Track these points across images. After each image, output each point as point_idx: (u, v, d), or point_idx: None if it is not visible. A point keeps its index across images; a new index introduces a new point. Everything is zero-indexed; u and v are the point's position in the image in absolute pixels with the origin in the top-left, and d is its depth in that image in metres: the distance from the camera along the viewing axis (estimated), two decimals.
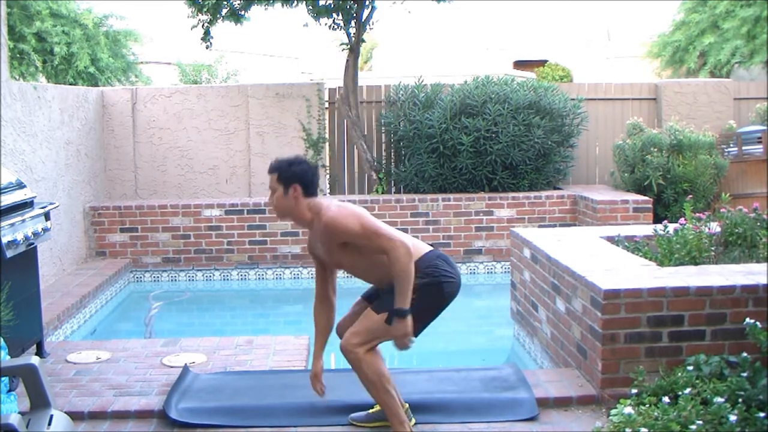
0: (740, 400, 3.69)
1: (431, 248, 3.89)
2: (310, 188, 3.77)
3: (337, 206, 3.75)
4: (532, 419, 4.08)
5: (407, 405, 3.94)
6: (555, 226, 8.64)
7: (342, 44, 9.66)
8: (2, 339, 3.78)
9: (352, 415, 4.07)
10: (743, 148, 9.38)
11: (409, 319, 3.63)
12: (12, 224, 4.70)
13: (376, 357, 3.75)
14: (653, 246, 5.25)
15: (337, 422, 4.04)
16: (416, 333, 3.73)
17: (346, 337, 3.75)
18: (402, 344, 3.70)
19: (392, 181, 9.81)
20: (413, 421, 3.94)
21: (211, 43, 9.97)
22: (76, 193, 8.50)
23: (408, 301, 3.62)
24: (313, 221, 3.78)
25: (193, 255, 8.75)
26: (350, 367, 3.77)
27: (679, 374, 3.98)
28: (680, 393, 3.81)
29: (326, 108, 9.72)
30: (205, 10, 9.51)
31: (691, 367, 4.01)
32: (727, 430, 3.48)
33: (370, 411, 4.01)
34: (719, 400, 3.62)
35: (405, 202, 8.89)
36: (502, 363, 5.25)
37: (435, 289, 3.73)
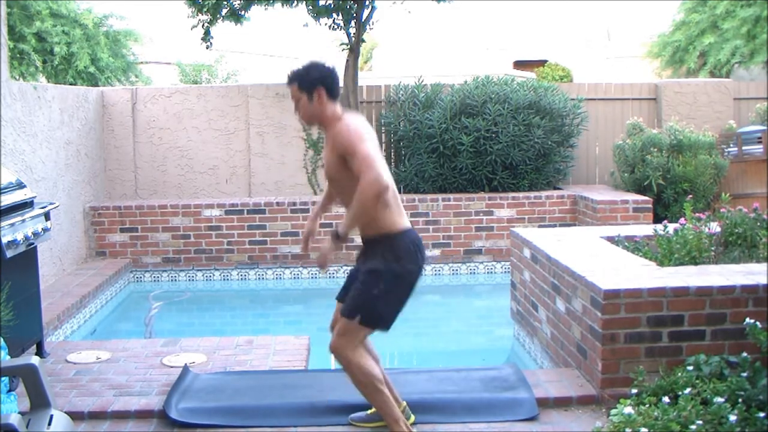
0: (740, 400, 3.69)
1: (409, 227, 3.82)
2: (333, 90, 3.77)
3: (353, 120, 3.73)
4: (532, 419, 4.08)
5: (405, 403, 3.94)
6: (555, 226, 8.64)
7: (342, 44, 9.66)
8: (2, 339, 3.78)
9: (352, 415, 4.07)
10: (743, 148, 9.37)
11: (337, 244, 3.65)
12: (12, 224, 4.70)
13: (365, 358, 3.74)
14: (653, 246, 5.25)
15: (337, 422, 4.04)
16: (386, 319, 3.74)
17: (332, 339, 3.78)
18: (320, 261, 3.71)
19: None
20: (412, 418, 3.94)
21: (211, 43, 9.97)
22: (76, 193, 8.50)
23: (349, 229, 3.63)
24: (331, 128, 3.75)
25: (193, 255, 8.75)
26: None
27: (679, 374, 3.98)
28: (680, 393, 3.81)
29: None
30: (205, 10, 9.51)
31: (691, 367, 4.01)
32: (727, 430, 3.48)
33: (370, 411, 4.01)
34: (719, 400, 3.62)
35: (405, 202, 8.87)
36: (502, 363, 5.25)
37: (400, 280, 3.71)
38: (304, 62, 3.86)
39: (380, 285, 3.68)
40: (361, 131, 3.65)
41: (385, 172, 3.51)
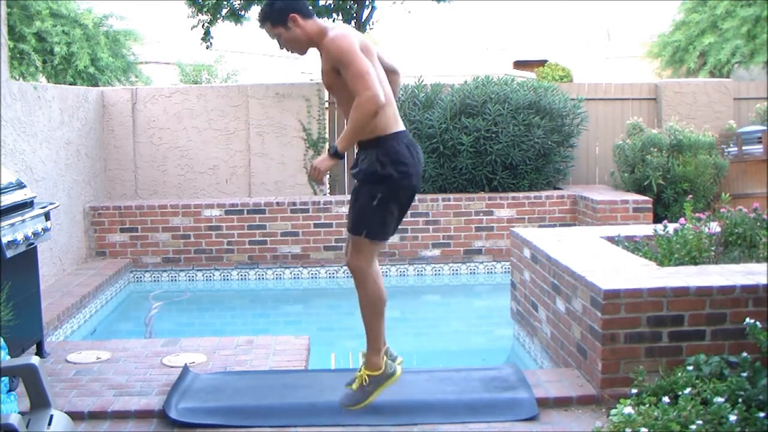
0: (740, 400, 3.69)
1: (404, 129, 3.85)
2: (304, 9, 3.78)
3: (341, 31, 3.75)
4: (532, 419, 4.07)
5: (400, 358, 4.05)
6: (555, 226, 8.63)
7: None
8: (2, 339, 3.78)
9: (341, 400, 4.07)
10: (743, 148, 9.38)
11: (334, 160, 3.68)
12: (12, 224, 4.70)
13: (380, 277, 3.89)
14: (653, 246, 5.25)
15: (337, 422, 4.04)
16: (383, 229, 3.83)
17: (349, 257, 3.92)
18: (314, 174, 3.72)
19: None
20: (399, 360, 4.04)
21: (211, 43, 9.99)
22: (76, 193, 8.50)
23: (347, 145, 3.68)
24: (321, 43, 3.76)
25: (193, 255, 8.75)
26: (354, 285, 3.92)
27: (679, 374, 3.98)
28: (680, 393, 3.81)
29: (326, 108, 9.72)
30: (205, 10, 9.53)
31: (691, 367, 4.01)
32: (727, 430, 3.48)
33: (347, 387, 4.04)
34: (719, 400, 3.62)
35: None
36: (502, 363, 5.25)
37: (397, 185, 3.75)
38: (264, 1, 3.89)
39: (377, 194, 3.75)
40: (351, 41, 3.67)
41: (378, 85, 3.56)
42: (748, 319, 3.97)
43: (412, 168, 3.81)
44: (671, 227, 5.17)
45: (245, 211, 8.75)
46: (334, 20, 9.51)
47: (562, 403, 4.24)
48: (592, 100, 10.24)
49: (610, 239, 5.62)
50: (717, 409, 3.57)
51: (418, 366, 5.88)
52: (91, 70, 11.57)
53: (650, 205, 8.45)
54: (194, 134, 9.64)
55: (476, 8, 21.33)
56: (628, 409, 3.76)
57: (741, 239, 5.00)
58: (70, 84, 11.29)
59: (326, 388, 4.39)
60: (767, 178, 8.94)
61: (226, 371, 4.86)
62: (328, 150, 3.71)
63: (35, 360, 3.35)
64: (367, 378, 3.95)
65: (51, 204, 5.45)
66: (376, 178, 3.75)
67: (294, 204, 8.74)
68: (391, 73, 4.00)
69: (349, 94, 3.67)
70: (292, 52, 3.91)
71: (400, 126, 3.83)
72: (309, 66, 19.29)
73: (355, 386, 3.99)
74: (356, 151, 3.96)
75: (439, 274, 8.85)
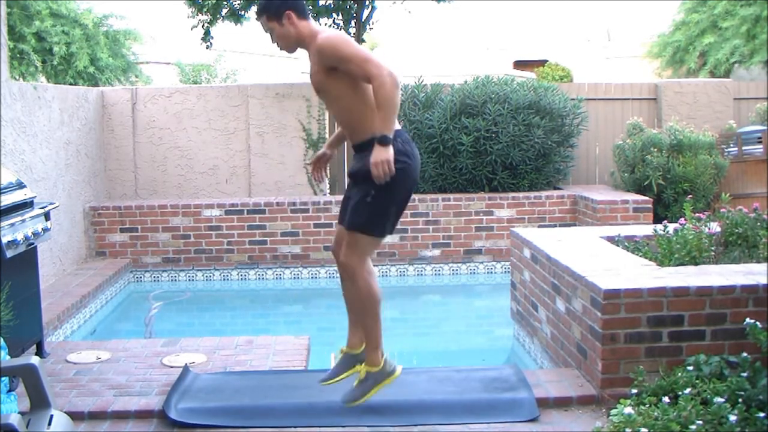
0: (740, 400, 3.69)
1: (398, 127, 3.85)
2: (301, 9, 3.84)
3: (331, 31, 3.89)
4: (532, 420, 4.07)
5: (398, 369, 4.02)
6: (555, 226, 8.64)
7: None
8: (2, 339, 3.78)
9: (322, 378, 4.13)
10: (743, 148, 9.38)
11: (390, 149, 3.63)
12: (12, 224, 4.70)
13: (373, 276, 3.88)
14: (653, 246, 5.25)
15: (337, 422, 4.04)
16: (386, 225, 3.87)
17: (342, 253, 3.91)
18: (378, 170, 3.64)
19: None
20: (399, 368, 4.02)
21: (211, 43, 9.99)
22: (76, 193, 8.50)
23: (392, 128, 3.66)
24: (312, 45, 3.81)
25: (193, 255, 8.74)
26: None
27: (679, 374, 3.98)
28: (680, 393, 3.81)
29: (326, 108, 9.72)
30: (205, 10, 9.53)
31: (691, 367, 4.01)
32: (727, 430, 3.48)
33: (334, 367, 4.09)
34: (719, 400, 3.62)
35: None
36: (502, 363, 5.25)
37: (394, 181, 3.73)
38: None
39: (373, 191, 3.76)
40: (344, 36, 3.80)
41: (388, 65, 3.61)
42: (748, 319, 3.97)
43: (413, 160, 3.86)
44: (671, 227, 5.17)
45: (245, 211, 8.75)
46: (334, 20, 9.50)
47: (562, 403, 4.24)
48: (592, 100, 10.24)
49: (610, 239, 5.62)
50: (717, 409, 3.57)
51: (418, 366, 5.88)
52: (91, 70, 11.57)
53: (650, 205, 8.45)
54: (194, 134, 9.64)
55: (476, 8, 21.34)
56: (628, 409, 3.76)
57: (741, 239, 5.00)
58: (70, 84, 11.28)
59: (326, 388, 4.38)
60: (767, 178, 8.94)
61: (226, 371, 4.86)
62: (378, 141, 3.63)
63: (35, 360, 3.35)
64: (365, 373, 3.96)
65: (51, 204, 5.45)
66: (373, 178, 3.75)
67: (294, 204, 8.74)
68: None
69: (339, 93, 3.77)
70: (281, 48, 3.97)
71: (395, 124, 3.85)
72: (309, 66, 19.26)
73: (355, 382, 4.00)
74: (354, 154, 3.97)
75: (439, 274, 8.85)
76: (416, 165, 3.89)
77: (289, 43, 3.91)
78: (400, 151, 3.76)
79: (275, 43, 3.95)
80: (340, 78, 3.77)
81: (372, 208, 3.82)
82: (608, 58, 21.49)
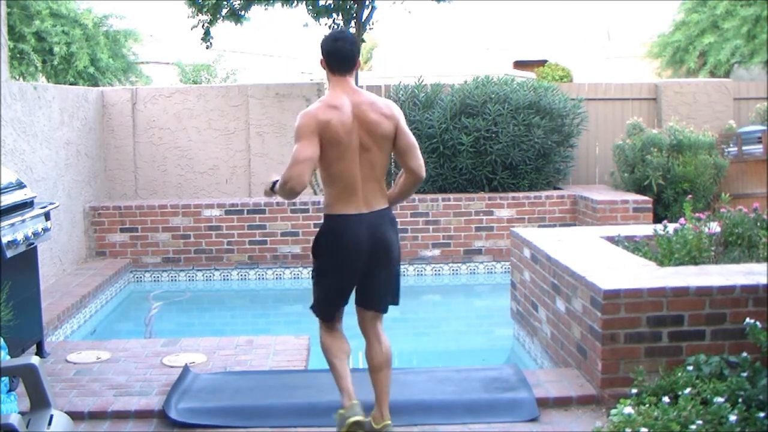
0: (740, 400, 3.69)
1: (342, 213, 3.82)
2: (328, 61, 3.85)
3: (313, 108, 3.87)
4: (532, 420, 4.07)
5: (389, 422, 3.81)
6: (555, 226, 8.63)
7: None
8: (2, 339, 3.78)
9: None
10: (743, 148, 9.38)
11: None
12: (12, 224, 4.70)
13: (330, 336, 3.90)
14: (653, 246, 5.25)
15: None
16: (320, 304, 3.93)
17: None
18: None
19: (392, 181, 9.79)
20: (387, 421, 3.80)
21: (211, 43, 9.98)
22: (76, 193, 8.50)
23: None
24: (345, 97, 3.84)
25: (193, 255, 8.74)
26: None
27: (679, 374, 3.98)
28: (680, 393, 3.81)
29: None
30: (205, 10, 9.52)
31: (691, 367, 4.01)
32: (727, 430, 3.48)
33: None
34: (719, 400, 3.62)
35: (405, 202, 8.88)
36: (502, 363, 5.25)
37: (317, 267, 3.92)
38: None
39: (312, 271, 3.92)
40: (306, 122, 3.81)
41: (296, 170, 3.79)
42: (748, 319, 3.97)
43: (330, 253, 3.78)
44: (671, 227, 5.17)
45: (245, 211, 8.75)
46: (334, 20, 9.49)
47: (562, 403, 4.24)
48: (592, 100, 10.24)
49: (610, 239, 5.62)
50: (717, 409, 3.57)
51: (418, 366, 5.88)
52: (91, 70, 11.57)
53: (650, 205, 8.45)
54: (194, 134, 9.64)
55: (476, 8, 21.31)
56: (628, 409, 3.76)
57: (741, 239, 5.00)
58: (71, 84, 11.28)
59: (326, 388, 4.38)
60: (767, 178, 8.94)
61: (226, 371, 4.86)
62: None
63: (35, 360, 3.35)
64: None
65: (51, 204, 5.45)
66: (312, 250, 3.87)
67: (294, 204, 8.74)
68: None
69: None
70: None
71: (339, 209, 3.76)
72: (309, 66, 19.30)
73: None
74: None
75: (439, 274, 8.85)
76: (324, 256, 3.85)
77: None
78: (314, 240, 3.88)
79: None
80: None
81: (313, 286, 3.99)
82: (608, 58, 21.48)
